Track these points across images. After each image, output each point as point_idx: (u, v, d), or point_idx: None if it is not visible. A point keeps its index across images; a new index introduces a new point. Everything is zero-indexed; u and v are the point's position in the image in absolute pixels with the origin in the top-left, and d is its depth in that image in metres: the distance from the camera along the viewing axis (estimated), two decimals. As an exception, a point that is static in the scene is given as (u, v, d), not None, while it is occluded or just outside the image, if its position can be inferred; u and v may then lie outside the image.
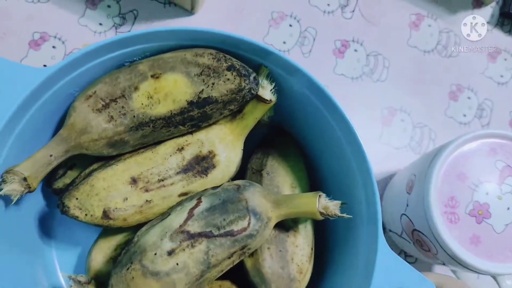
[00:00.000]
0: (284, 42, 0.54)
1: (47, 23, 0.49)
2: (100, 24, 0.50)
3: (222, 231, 0.32)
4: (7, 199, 0.34)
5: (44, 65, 0.48)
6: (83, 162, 0.38)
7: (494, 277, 0.38)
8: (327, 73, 0.54)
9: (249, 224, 0.33)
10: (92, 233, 0.42)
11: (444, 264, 0.40)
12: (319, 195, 0.34)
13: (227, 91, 0.34)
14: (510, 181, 0.37)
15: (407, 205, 0.41)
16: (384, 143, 0.53)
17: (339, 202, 0.34)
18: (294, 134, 0.44)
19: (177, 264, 0.31)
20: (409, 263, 0.49)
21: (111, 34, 0.50)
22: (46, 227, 0.42)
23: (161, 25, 0.51)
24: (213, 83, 0.34)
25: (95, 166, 0.36)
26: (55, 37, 0.49)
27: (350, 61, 0.55)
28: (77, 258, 0.43)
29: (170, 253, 0.32)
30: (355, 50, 0.55)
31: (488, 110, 0.56)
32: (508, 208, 0.37)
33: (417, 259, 0.50)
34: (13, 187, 0.32)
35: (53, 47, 0.49)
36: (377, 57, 0.55)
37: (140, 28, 0.51)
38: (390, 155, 0.53)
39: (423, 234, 0.39)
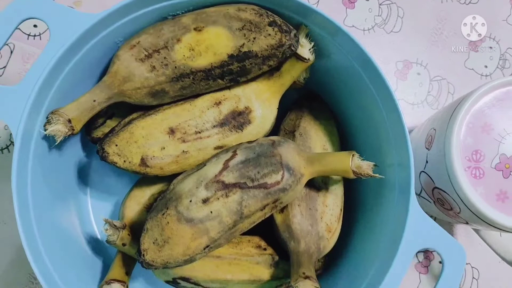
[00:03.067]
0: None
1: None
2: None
3: (255, 183, 0.33)
4: (50, 141, 0.35)
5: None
6: (122, 112, 0.39)
7: None
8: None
9: (282, 178, 0.33)
10: (126, 184, 0.44)
11: (467, 223, 0.39)
12: (353, 154, 0.34)
13: (267, 46, 0.34)
14: None
15: (427, 162, 0.39)
16: (399, 99, 0.51)
17: (372, 163, 0.34)
18: (326, 98, 0.44)
19: (211, 212, 0.32)
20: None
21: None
22: (83, 175, 0.43)
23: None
24: (254, 38, 0.34)
25: (134, 115, 0.37)
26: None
27: (361, 11, 0.52)
28: (110, 208, 0.44)
29: (205, 201, 0.32)
30: (366, -1, 0.53)
31: (511, 60, 0.54)
32: None
33: (436, 219, 0.49)
34: (58, 128, 0.33)
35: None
36: (390, 6, 0.53)
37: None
38: (405, 111, 0.51)
39: (444, 192, 0.37)
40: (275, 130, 0.43)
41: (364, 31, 0.53)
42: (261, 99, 0.38)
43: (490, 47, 0.54)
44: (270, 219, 0.38)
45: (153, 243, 0.33)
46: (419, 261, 0.49)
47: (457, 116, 0.35)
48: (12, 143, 0.46)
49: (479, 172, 0.35)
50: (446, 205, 0.38)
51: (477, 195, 0.34)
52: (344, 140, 0.42)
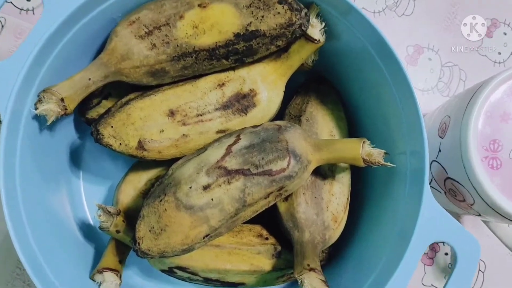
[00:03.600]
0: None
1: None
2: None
3: (260, 169, 0.31)
4: (41, 121, 0.33)
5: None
6: (119, 92, 0.37)
7: None
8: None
9: (288, 165, 0.31)
10: (121, 168, 0.42)
11: (479, 215, 0.37)
12: (363, 141, 0.32)
13: (276, 25, 0.32)
14: None
15: (440, 151, 0.37)
16: None
17: (383, 150, 0.32)
18: (334, 81, 0.42)
19: (212, 199, 0.31)
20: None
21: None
22: (75, 157, 0.41)
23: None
24: (262, 16, 0.32)
25: (132, 95, 0.35)
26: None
27: None
28: (104, 192, 0.43)
29: (206, 187, 0.31)
30: (377, -20, 0.51)
31: None
32: None
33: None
34: (49, 107, 0.31)
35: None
36: None
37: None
38: None
39: (458, 182, 0.35)
40: (280, 114, 0.41)
41: (374, 13, 0.51)
42: (267, 82, 0.36)
43: (504, 33, 0.52)
44: (273, 207, 0.36)
45: (149, 231, 0.31)
46: (424, 253, 0.47)
47: (475, 104, 0.34)
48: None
49: (497, 163, 0.33)
50: (458, 196, 0.37)
51: (494, 186, 0.33)
52: (352, 126, 0.41)
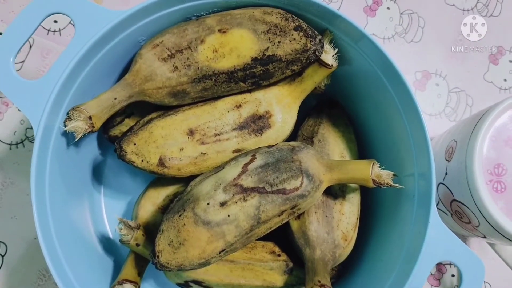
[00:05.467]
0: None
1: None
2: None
3: (274, 188, 0.32)
4: (69, 137, 0.35)
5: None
6: (141, 111, 0.39)
7: None
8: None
9: (301, 184, 0.33)
10: (140, 184, 0.43)
11: (484, 237, 0.38)
12: (373, 163, 0.34)
13: (292, 50, 0.34)
14: None
15: (446, 174, 0.39)
16: None
17: (392, 172, 0.34)
18: (345, 105, 0.44)
19: (229, 215, 0.32)
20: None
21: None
22: (97, 173, 0.43)
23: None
24: (279, 42, 0.34)
25: (154, 115, 0.37)
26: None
27: (382, 20, 0.52)
28: (123, 207, 0.44)
29: (223, 204, 0.32)
30: (388, 8, 0.53)
31: None
32: None
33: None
34: (78, 124, 0.33)
35: None
36: (411, 15, 0.53)
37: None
38: None
39: (464, 204, 0.37)
40: (293, 135, 0.42)
41: (384, 39, 0.52)
42: (281, 104, 0.37)
43: (510, 61, 0.53)
44: (286, 225, 0.37)
45: (168, 244, 0.32)
46: (431, 274, 0.48)
47: (480, 129, 0.35)
48: (27, 138, 0.46)
49: (501, 186, 0.34)
50: (464, 218, 0.38)
51: (498, 209, 0.34)
52: (362, 148, 0.42)
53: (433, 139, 0.47)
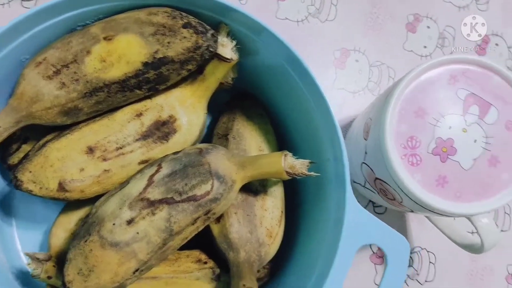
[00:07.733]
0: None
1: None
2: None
3: (184, 196, 0.31)
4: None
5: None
6: (37, 134, 0.36)
7: (468, 218, 0.35)
8: (269, 19, 0.50)
9: (212, 187, 0.31)
10: (54, 210, 0.40)
11: (412, 211, 0.38)
12: (285, 154, 0.33)
13: (183, 49, 0.32)
14: (474, 110, 0.34)
15: (366, 153, 0.38)
16: (339, 88, 0.50)
17: (307, 160, 0.33)
18: (259, 96, 0.42)
19: (137, 233, 0.30)
20: (378, 214, 0.48)
21: None
22: (5, 206, 0.40)
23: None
24: (168, 42, 0.32)
25: (48, 137, 0.34)
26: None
27: (293, 3, 0.51)
28: (40, 237, 0.41)
29: (130, 222, 0.30)
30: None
31: (450, 38, 0.53)
32: (475, 141, 0.33)
33: (387, 209, 0.48)
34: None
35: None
36: None
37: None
38: (346, 100, 0.50)
39: (384, 182, 0.36)
40: (209, 136, 0.41)
41: (298, 22, 0.51)
42: (185, 106, 0.35)
43: (428, 27, 0.53)
44: (208, 230, 0.36)
45: (78, 273, 0.31)
46: (373, 252, 0.48)
47: (389, 104, 0.34)
48: None
49: (416, 159, 0.33)
50: (389, 195, 0.37)
51: (415, 182, 0.33)
52: (281, 138, 0.41)
53: (357, 118, 0.46)
